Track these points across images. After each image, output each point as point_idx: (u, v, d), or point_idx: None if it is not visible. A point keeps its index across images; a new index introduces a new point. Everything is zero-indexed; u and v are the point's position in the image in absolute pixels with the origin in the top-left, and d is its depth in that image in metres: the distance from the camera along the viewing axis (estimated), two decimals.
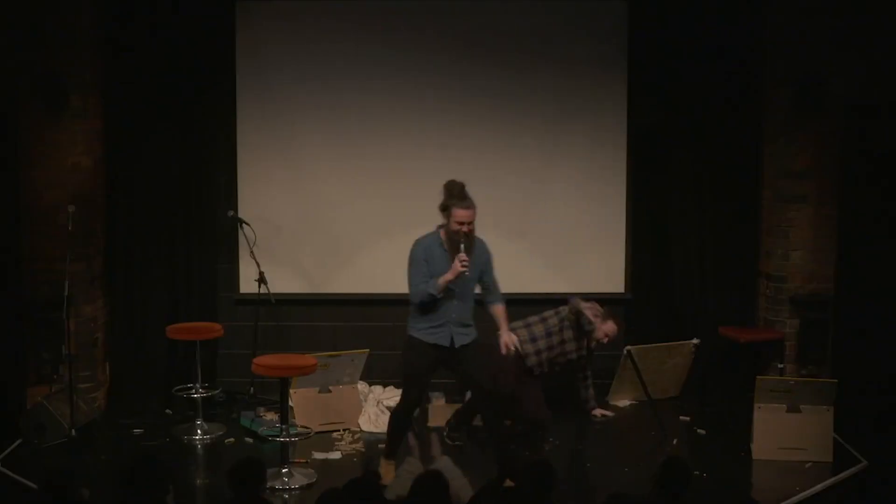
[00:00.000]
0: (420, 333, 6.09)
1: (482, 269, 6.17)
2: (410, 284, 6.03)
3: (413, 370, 6.16)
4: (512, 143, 8.00)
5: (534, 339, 7.15)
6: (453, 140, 7.94)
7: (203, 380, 7.31)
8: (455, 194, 5.97)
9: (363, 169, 8.01)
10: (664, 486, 4.63)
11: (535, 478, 4.53)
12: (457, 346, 6.08)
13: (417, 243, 6.09)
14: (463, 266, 5.87)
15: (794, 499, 6.10)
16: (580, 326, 7.17)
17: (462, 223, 5.92)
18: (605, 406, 7.84)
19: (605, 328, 7.17)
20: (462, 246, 5.91)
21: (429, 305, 6.01)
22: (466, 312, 6.12)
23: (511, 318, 7.86)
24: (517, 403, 7.01)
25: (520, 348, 6.85)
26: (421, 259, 6.02)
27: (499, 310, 6.27)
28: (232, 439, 7.15)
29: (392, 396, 7.70)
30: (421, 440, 6.83)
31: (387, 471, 6.22)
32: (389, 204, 7.99)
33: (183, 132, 7.83)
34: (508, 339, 6.21)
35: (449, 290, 5.99)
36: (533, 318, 7.27)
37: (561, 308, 7.27)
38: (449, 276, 5.92)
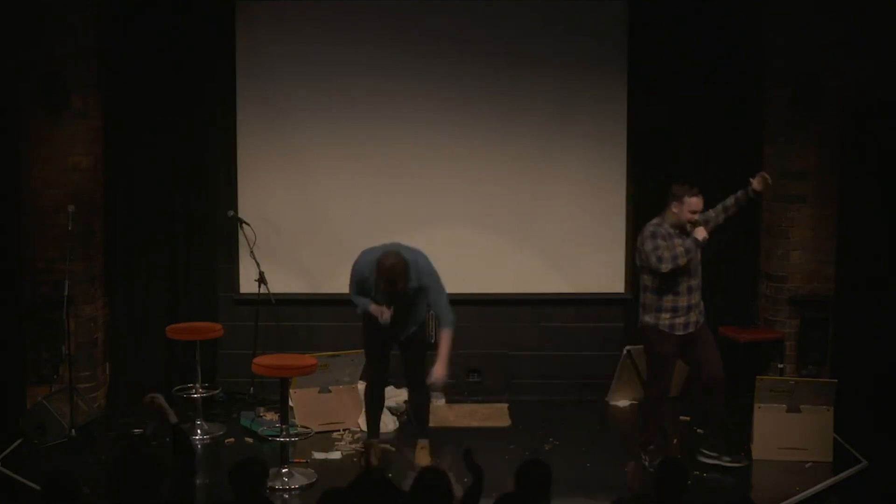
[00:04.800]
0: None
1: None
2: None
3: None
4: (512, 143, 7.99)
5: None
6: (453, 140, 7.94)
7: (203, 380, 7.30)
8: None
9: (363, 169, 8.00)
10: (663, 486, 4.62)
11: (533, 478, 4.51)
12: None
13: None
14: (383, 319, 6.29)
15: (794, 499, 6.09)
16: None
17: None
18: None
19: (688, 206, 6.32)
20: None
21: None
22: None
23: (516, 317, 7.92)
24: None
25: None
26: None
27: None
28: (232, 439, 7.15)
29: (392, 396, 7.68)
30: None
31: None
32: (390, 204, 7.99)
33: (183, 132, 7.82)
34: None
35: None
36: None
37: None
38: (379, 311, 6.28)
